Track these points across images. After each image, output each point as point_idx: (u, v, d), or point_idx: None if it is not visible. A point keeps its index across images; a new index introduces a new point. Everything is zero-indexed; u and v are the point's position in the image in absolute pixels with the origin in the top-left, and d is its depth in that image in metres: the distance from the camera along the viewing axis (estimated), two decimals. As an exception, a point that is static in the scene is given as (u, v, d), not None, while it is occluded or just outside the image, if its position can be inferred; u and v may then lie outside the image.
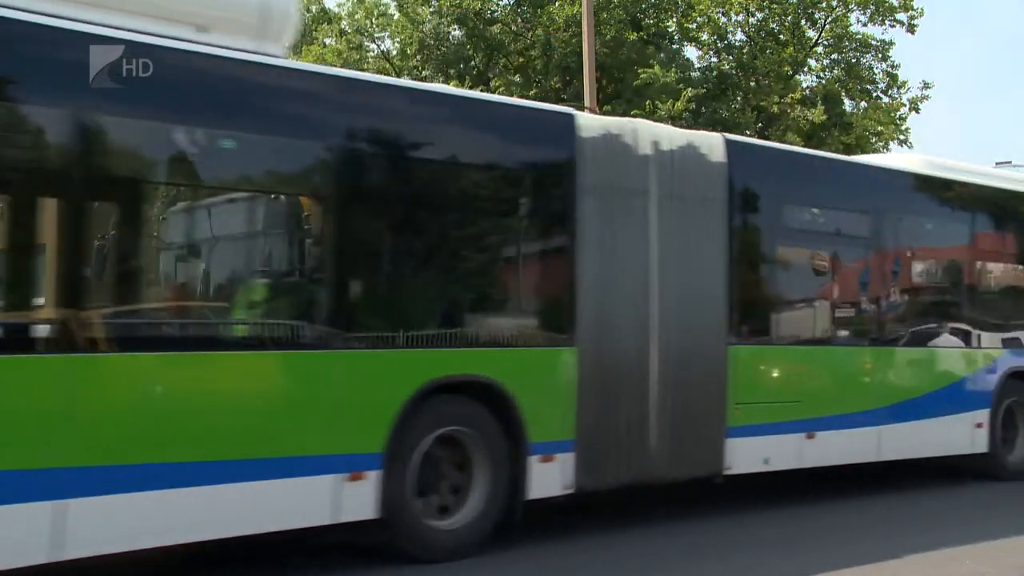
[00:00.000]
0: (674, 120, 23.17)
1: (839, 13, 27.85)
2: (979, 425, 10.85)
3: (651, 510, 8.74)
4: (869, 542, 7.91)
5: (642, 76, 24.48)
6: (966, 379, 10.98)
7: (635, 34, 26.08)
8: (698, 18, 27.83)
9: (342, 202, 6.83)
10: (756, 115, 26.67)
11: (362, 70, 20.83)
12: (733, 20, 28.08)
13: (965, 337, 11.11)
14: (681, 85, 24.68)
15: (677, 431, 8.19)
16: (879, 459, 9.85)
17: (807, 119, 25.85)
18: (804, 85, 28.13)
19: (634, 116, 22.94)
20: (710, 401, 8.46)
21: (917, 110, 28.52)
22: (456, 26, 26.97)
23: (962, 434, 10.69)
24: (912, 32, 27.88)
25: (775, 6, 27.30)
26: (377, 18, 28.29)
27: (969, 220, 11.39)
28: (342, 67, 19.71)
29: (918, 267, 11.03)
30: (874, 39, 28.28)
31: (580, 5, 21.36)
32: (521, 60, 27.02)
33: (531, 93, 24.16)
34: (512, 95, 23.41)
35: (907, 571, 7.00)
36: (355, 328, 6.83)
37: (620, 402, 7.91)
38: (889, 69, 28.64)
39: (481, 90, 23.86)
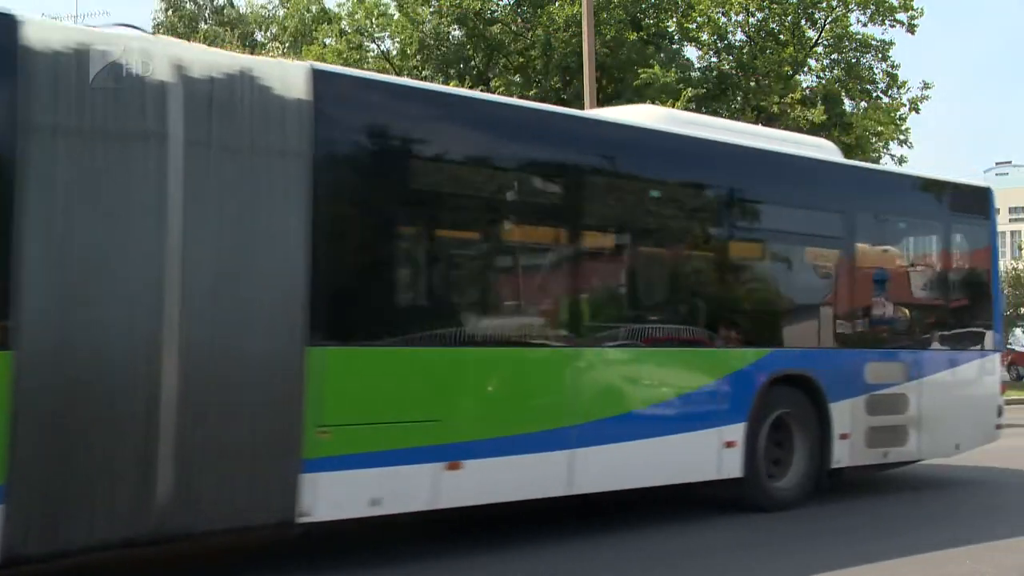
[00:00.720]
0: (674, 120, 23.16)
1: (839, 13, 27.85)
2: (729, 444, 8.60)
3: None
4: (869, 542, 7.91)
5: (642, 76, 24.49)
6: (709, 387, 8.68)
7: (635, 34, 26.08)
8: (698, 18, 27.82)
9: None
10: (756, 115, 26.66)
11: (362, 70, 20.79)
12: (733, 20, 28.08)
13: (709, 333, 8.86)
14: (681, 85, 24.71)
15: (210, 467, 6.01)
16: (572, 491, 7.69)
17: (807, 119, 25.85)
18: (804, 85, 28.13)
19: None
20: (272, 423, 6.24)
21: (917, 110, 28.54)
22: (456, 26, 26.96)
23: (703, 456, 8.50)
24: (912, 32, 27.91)
25: (775, 6, 27.30)
26: (377, 18, 28.27)
27: (721, 185, 9.09)
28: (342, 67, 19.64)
29: (640, 243, 8.72)
30: (874, 39, 28.29)
31: (580, 5, 21.35)
32: (521, 60, 27.01)
33: (531, 93, 24.16)
34: (512, 95, 23.40)
35: (907, 571, 6.99)
36: None
37: (102, 428, 5.69)
38: (889, 69, 28.66)
39: (481, 90, 23.83)
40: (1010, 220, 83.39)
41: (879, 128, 28.08)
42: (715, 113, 26.32)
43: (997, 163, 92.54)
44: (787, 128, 25.87)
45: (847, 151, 26.72)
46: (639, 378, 8.37)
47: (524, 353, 7.73)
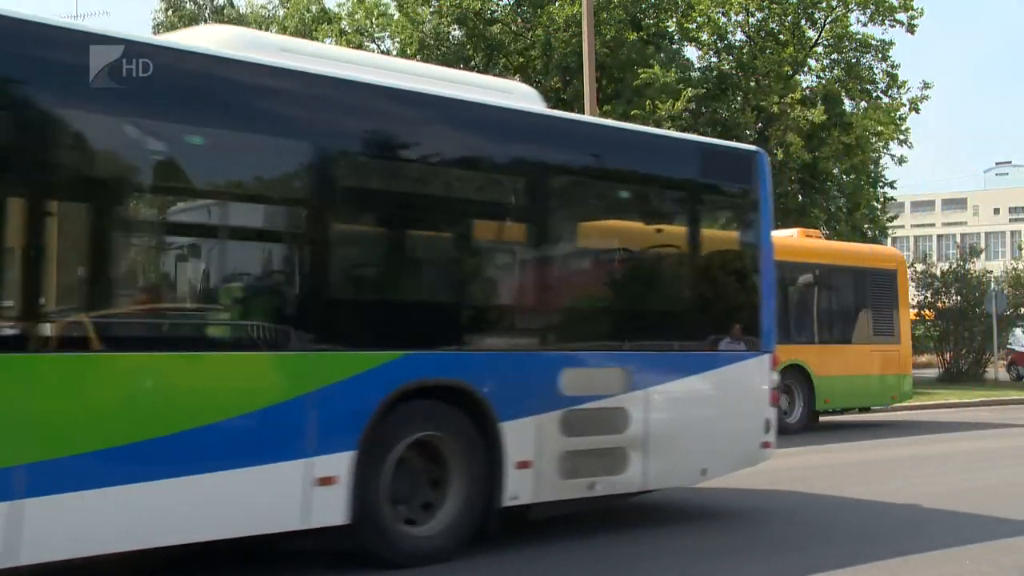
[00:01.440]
0: (674, 120, 23.20)
1: (839, 13, 27.92)
2: (326, 481, 6.30)
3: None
4: (869, 543, 7.92)
5: (642, 76, 24.54)
6: (284, 405, 6.25)
7: (635, 34, 26.13)
8: (698, 18, 27.88)
9: None
10: (756, 115, 26.70)
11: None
12: (733, 20, 28.15)
13: (288, 330, 6.44)
14: (681, 85, 24.75)
15: None
16: (20, 561, 5.30)
17: (807, 119, 25.90)
18: (804, 85, 28.19)
19: (634, 116, 23.02)
20: None
21: (917, 110, 28.65)
22: (456, 26, 27.01)
23: (275, 499, 6.20)
24: (912, 32, 28.02)
25: (775, 6, 27.35)
26: (377, 18, 28.34)
27: (321, 130, 6.63)
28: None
29: (178, 205, 6.51)
30: (874, 39, 28.39)
31: (580, 5, 21.38)
32: (521, 60, 27.04)
33: (531, 93, 24.21)
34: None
35: (906, 571, 6.99)
36: None
37: None
38: (889, 69, 28.74)
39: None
40: (1010, 220, 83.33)
41: (879, 128, 28.16)
42: (715, 113, 26.35)
43: (997, 163, 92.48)
44: (787, 128, 25.89)
45: (847, 151, 26.82)
46: (155, 396, 5.88)
47: None
